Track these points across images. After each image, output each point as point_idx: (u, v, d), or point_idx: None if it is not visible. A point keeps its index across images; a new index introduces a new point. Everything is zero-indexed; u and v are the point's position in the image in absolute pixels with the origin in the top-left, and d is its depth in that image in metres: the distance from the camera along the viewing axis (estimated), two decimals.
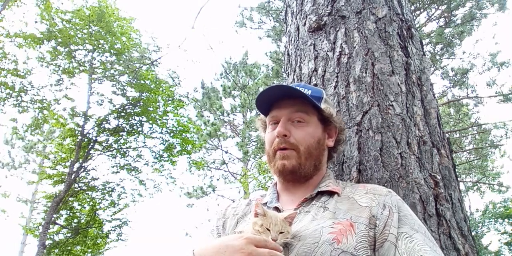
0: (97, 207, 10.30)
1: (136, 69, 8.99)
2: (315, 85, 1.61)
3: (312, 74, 1.65)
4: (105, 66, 10.11)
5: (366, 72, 1.52)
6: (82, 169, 9.75)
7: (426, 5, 9.95)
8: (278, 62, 10.46)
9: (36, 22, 9.31)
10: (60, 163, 10.03)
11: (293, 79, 1.77)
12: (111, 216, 10.66)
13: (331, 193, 1.06)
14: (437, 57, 9.74)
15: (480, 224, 14.06)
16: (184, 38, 5.97)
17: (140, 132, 10.34)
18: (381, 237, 0.91)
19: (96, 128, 9.91)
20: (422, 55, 1.70)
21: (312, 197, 1.06)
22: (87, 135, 9.82)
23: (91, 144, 9.87)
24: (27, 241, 15.58)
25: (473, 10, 9.41)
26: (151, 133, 10.50)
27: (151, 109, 10.06)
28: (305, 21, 1.81)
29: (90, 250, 10.46)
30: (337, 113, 1.46)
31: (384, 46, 1.58)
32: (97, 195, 10.40)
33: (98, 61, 10.14)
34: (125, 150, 10.46)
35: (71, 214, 10.14)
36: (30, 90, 9.40)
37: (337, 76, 1.57)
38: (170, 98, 10.48)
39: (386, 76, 1.51)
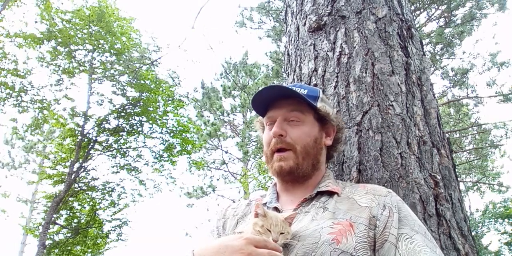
0: (97, 207, 10.30)
1: (136, 69, 8.99)
2: (315, 85, 1.61)
3: (312, 74, 1.65)
4: (105, 66, 10.11)
5: (366, 72, 1.52)
6: (82, 169, 9.75)
7: (426, 5, 9.95)
8: (278, 62, 10.47)
9: (36, 22, 9.32)
10: (60, 163, 10.03)
11: (293, 79, 1.77)
12: (111, 216, 10.67)
13: (330, 193, 1.06)
14: (437, 57, 9.74)
15: (480, 224, 14.07)
16: (184, 38, 5.98)
17: (140, 132, 10.34)
18: (381, 238, 0.91)
19: (96, 128, 9.91)
20: (422, 55, 1.70)
21: (311, 197, 1.06)
22: (87, 135, 9.82)
23: (91, 144, 9.87)
24: (27, 241, 15.58)
25: (473, 10, 9.41)
26: (151, 133, 10.50)
27: (151, 109, 10.06)
28: (305, 21, 1.81)
29: (90, 250, 10.46)
30: (337, 113, 1.46)
31: (384, 46, 1.58)
32: (97, 195, 10.40)
33: (98, 61, 10.14)
34: (125, 150, 10.46)
35: (71, 214, 10.14)
36: (30, 90, 9.41)
37: (337, 76, 1.57)
38: (170, 98, 10.48)
39: (386, 76, 1.51)
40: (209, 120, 13.84)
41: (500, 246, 13.99)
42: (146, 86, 9.93)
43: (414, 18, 8.89)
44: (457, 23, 9.63)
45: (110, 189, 10.37)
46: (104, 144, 10.19)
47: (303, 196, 1.07)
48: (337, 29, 1.68)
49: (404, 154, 1.34)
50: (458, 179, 1.52)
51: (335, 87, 1.55)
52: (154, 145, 10.74)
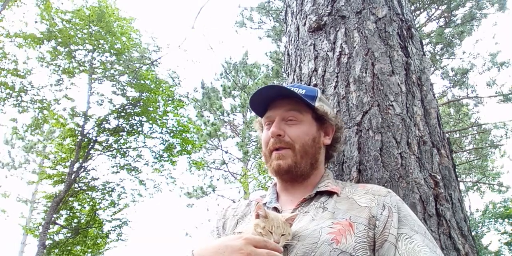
0: (97, 207, 10.30)
1: (136, 69, 8.99)
2: (315, 85, 1.61)
3: (312, 74, 1.65)
4: (105, 66, 10.11)
5: (366, 72, 1.52)
6: (82, 169, 9.75)
7: (426, 5, 9.95)
8: (278, 62, 10.47)
9: (36, 22, 9.32)
10: (60, 163, 10.03)
11: (293, 79, 1.77)
12: (111, 216, 10.67)
13: (330, 193, 1.06)
14: (437, 57, 9.74)
15: (480, 224, 14.07)
16: (184, 38, 5.98)
17: (140, 132, 10.34)
18: (380, 238, 0.91)
19: (96, 128, 9.91)
20: (422, 55, 1.70)
21: (311, 197, 1.06)
22: (87, 135, 9.83)
23: (91, 144, 9.87)
24: (27, 241, 15.58)
25: (473, 10, 9.41)
26: (151, 133, 10.50)
27: (151, 109, 10.06)
28: (305, 21, 1.81)
29: (90, 250, 10.46)
30: (337, 113, 1.46)
31: (384, 46, 1.58)
32: (97, 195, 10.41)
33: (98, 61, 10.14)
34: (125, 150, 10.46)
35: (71, 214, 10.14)
36: (30, 90, 9.41)
37: (337, 76, 1.57)
38: (170, 98, 10.48)
39: (386, 76, 1.51)
40: (209, 120, 13.85)
41: (500, 246, 14.00)
42: (146, 86, 9.93)
43: (414, 18, 8.89)
44: (457, 23, 9.63)
45: (110, 189, 10.37)
46: (104, 144, 10.19)
47: (302, 196, 1.07)
48: (337, 29, 1.68)
49: (404, 154, 1.34)
50: (458, 179, 1.52)
51: (335, 87, 1.55)
52: (154, 145, 10.75)
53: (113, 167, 10.41)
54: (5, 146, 16.95)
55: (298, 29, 1.86)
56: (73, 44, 9.51)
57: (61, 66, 9.70)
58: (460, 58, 9.76)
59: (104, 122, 9.92)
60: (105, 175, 10.40)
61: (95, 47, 9.80)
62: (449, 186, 1.36)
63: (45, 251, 8.82)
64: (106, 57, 10.17)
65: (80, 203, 10.28)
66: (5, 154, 16.57)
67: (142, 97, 10.09)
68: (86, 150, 9.76)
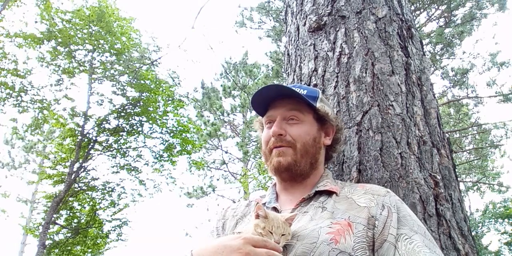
0: (97, 207, 10.30)
1: (136, 69, 8.99)
2: (315, 85, 1.61)
3: (312, 74, 1.66)
4: (105, 66, 10.11)
5: (366, 72, 1.52)
6: (82, 169, 9.75)
7: (426, 5, 9.95)
8: (278, 62, 10.47)
9: (36, 22, 9.32)
10: (60, 163, 10.03)
11: (293, 79, 1.77)
12: (111, 216, 10.67)
13: (329, 193, 1.06)
14: (437, 57, 9.74)
15: (480, 224, 14.06)
16: (184, 38, 5.97)
17: (140, 132, 10.34)
18: (380, 238, 0.91)
19: (96, 128, 9.91)
20: (422, 55, 1.70)
21: (310, 197, 1.06)
22: (87, 135, 9.83)
23: (91, 144, 9.87)
24: (27, 241, 15.58)
25: (473, 10, 9.41)
26: (151, 133, 10.50)
27: (151, 109, 10.06)
28: (305, 21, 1.81)
29: (90, 250, 10.46)
30: (337, 113, 1.46)
31: (384, 46, 1.58)
32: (97, 195, 10.41)
33: (98, 61, 10.14)
34: (125, 150, 10.46)
35: (71, 214, 10.14)
36: (30, 90, 9.41)
37: (337, 76, 1.57)
38: (170, 98, 10.48)
39: (386, 76, 1.51)
40: (209, 120, 13.85)
41: (500, 246, 14.00)
42: (146, 86, 9.93)
43: (414, 18, 8.89)
44: (457, 23, 9.63)
45: (110, 189, 10.37)
46: (104, 144, 10.19)
47: (301, 196, 1.07)
48: (337, 29, 1.68)
49: (404, 154, 1.34)
50: (458, 179, 1.52)
51: (335, 87, 1.55)
52: (154, 145, 10.75)
53: (113, 167, 10.42)
54: (5, 146, 16.97)
55: (298, 29, 1.86)
56: (73, 44, 9.51)
57: (61, 66, 9.70)
58: (460, 58, 9.76)
59: (104, 122, 9.92)
60: (105, 175, 10.41)
61: (95, 47, 9.80)
62: (449, 186, 1.36)
63: (45, 251, 8.82)
64: (106, 57, 10.17)
65: (80, 203, 10.28)
66: (5, 154, 16.60)
67: (142, 97, 10.09)
68: (86, 150, 9.76)
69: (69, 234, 10.08)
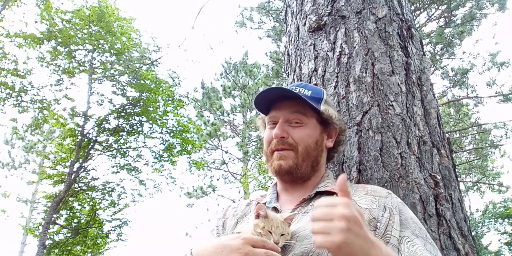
0: (97, 207, 10.30)
1: (136, 69, 8.99)
2: (315, 85, 1.61)
3: (312, 74, 1.66)
4: (105, 66, 10.11)
5: (366, 72, 1.52)
6: (82, 169, 9.75)
7: (426, 5, 9.95)
8: (278, 62, 10.47)
9: (36, 22, 9.32)
10: (60, 163, 10.03)
11: (293, 79, 1.77)
12: (111, 216, 10.67)
13: (330, 194, 1.06)
14: (437, 57, 9.74)
15: (480, 224, 14.06)
16: (184, 38, 5.97)
17: (140, 132, 10.34)
18: (382, 240, 0.90)
19: (96, 128, 9.91)
20: (422, 55, 1.70)
21: (310, 197, 1.06)
22: (87, 135, 9.83)
23: (91, 144, 9.87)
24: (27, 241, 15.58)
25: (473, 10, 9.41)
26: (151, 133, 10.50)
27: (151, 109, 10.07)
28: (305, 21, 1.81)
29: (90, 250, 10.46)
30: (338, 113, 1.46)
31: (384, 46, 1.58)
32: (97, 195, 10.41)
33: (98, 61, 10.14)
34: (125, 150, 10.46)
35: (71, 214, 10.15)
36: (30, 90, 9.41)
37: (337, 76, 1.57)
38: (170, 98, 10.48)
39: (386, 76, 1.51)
40: (209, 120, 13.84)
41: (500, 246, 13.99)
42: (146, 86, 9.93)
43: (414, 18, 8.89)
44: (457, 23, 9.63)
45: (110, 189, 10.38)
46: (104, 144, 10.19)
47: (302, 196, 1.07)
48: (337, 29, 1.68)
49: (404, 154, 1.34)
50: (458, 179, 1.52)
51: (335, 87, 1.55)
52: (154, 145, 10.75)
53: (113, 167, 10.42)
54: (5, 146, 16.97)
55: (298, 29, 1.86)
56: (73, 44, 9.51)
57: (61, 66, 9.70)
58: (460, 58, 9.76)
59: (104, 122, 9.93)
60: (105, 175, 10.42)
61: (95, 47, 9.80)
62: (449, 186, 1.36)
63: (45, 251, 8.82)
64: (106, 57, 10.17)
65: (80, 203, 10.28)
66: (5, 154, 16.59)
67: (142, 97, 10.09)
68: (86, 150, 9.76)
69: (69, 234, 10.08)
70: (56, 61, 9.65)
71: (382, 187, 1.13)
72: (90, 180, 10.15)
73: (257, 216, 0.92)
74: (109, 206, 10.52)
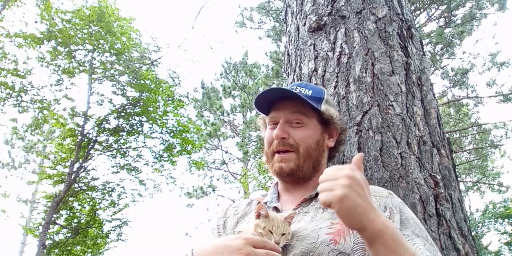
0: (97, 207, 10.30)
1: (136, 69, 8.99)
2: (315, 85, 1.61)
3: (312, 74, 1.66)
4: (105, 66, 10.11)
5: (366, 72, 1.52)
6: (82, 169, 9.75)
7: (426, 5, 9.95)
8: (278, 62, 10.47)
9: (36, 22, 9.32)
10: (60, 163, 10.03)
11: (293, 79, 1.77)
12: (111, 216, 10.67)
13: None
14: (437, 57, 9.74)
15: (480, 224, 14.06)
16: (184, 38, 5.97)
17: (140, 132, 10.34)
18: None
19: (96, 128, 9.91)
20: (422, 55, 1.70)
21: (311, 197, 1.06)
22: (87, 135, 9.83)
23: (91, 144, 9.87)
24: (27, 241, 15.58)
25: (473, 10, 9.41)
26: (151, 133, 10.50)
27: (151, 109, 10.07)
28: (305, 21, 1.81)
29: (90, 250, 10.46)
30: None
31: (384, 46, 1.58)
32: (97, 195, 10.41)
33: (98, 61, 10.14)
34: (125, 150, 10.46)
35: (71, 214, 10.15)
36: (30, 90, 9.41)
37: (337, 76, 1.57)
38: (170, 98, 10.48)
39: (386, 76, 1.51)
40: (209, 120, 13.84)
41: (500, 246, 13.99)
42: (146, 86, 9.93)
43: (414, 18, 8.90)
44: (457, 23, 9.63)
45: (110, 189, 10.38)
46: (104, 144, 10.19)
47: (303, 196, 1.07)
48: (337, 29, 1.68)
49: (404, 154, 1.34)
50: (458, 179, 1.52)
51: (335, 87, 1.55)
52: (154, 145, 10.75)
53: (113, 167, 10.42)
54: (5, 146, 16.96)
55: (298, 29, 1.86)
56: (73, 44, 9.51)
57: (61, 66, 9.70)
58: (460, 58, 9.76)
59: (104, 122, 9.93)
60: (105, 175, 10.41)
61: (95, 47, 9.80)
62: (449, 186, 1.36)
63: (45, 251, 8.82)
64: (106, 57, 10.17)
65: (80, 203, 10.28)
66: (5, 154, 16.59)
67: (142, 97, 10.10)
68: (86, 150, 9.76)
69: (69, 234, 10.08)
70: (56, 61, 9.65)
71: (382, 187, 1.13)
72: (90, 180, 10.15)
73: (258, 215, 0.92)
74: (109, 206, 10.52)
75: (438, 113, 1.56)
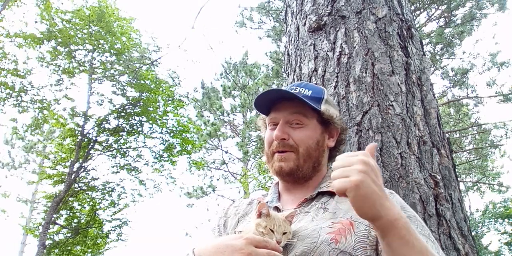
0: (97, 207, 10.31)
1: (136, 69, 8.99)
2: (315, 85, 1.61)
3: (312, 74, 1.66)
4: (105, 66, 10.12)
5: (366, 72, 1.52)
6: (82, 169, 9.76)
7: (426, 5, 9.95)
8: (278, 62, 10.47)
9: (36, 22, 9.32)
10: (60, 163, 10.04)
11: (293, 79, 1.77)
12: (111, 216, 10.68)
13: (331, 194, 1.06)
14: (437, 57, 9.74)
15: (480, 224, 14.06)
16: (184, 38, 5.97)
17: (140, 132, 10.35)
18: None
19: (96, 128, 9.92)
20: (422, 55, 1.71)
21: (312, 197, 1.06)
22: (87, 135, 9.83)
23: (91, 144, 9.88)
24: (27, 241, 15.58)
25: (473, 10, 9.42)
26: (151, 133, 10.51)
27: (151, 109, 10.07)
28: (305, 21, 1.81)
29: (90, 250, 10.46)
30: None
31: (384, 46, 1.58)
32: (97, 195, 10.41)
33: (98, 61, 10.15)
34: (125, 150, 10.46)
35: (71, 214, 10.15)
36: (30, 90, 9.41)
37: (337, 76, 1.57)
38: (170, 98, 10.48)
39: (386, 76, 1.51)
40: (209, 120, 13.84)
41: (500, 246, 13.99)
42: (146, 86, 9.94)
43: (414, 18, 8.89)
44: (457, 23, 9.63)
45: (110, 189, 10.38)
46: (104, 144, 10.20)
47: (304, 196, 1.07)
48: (337, 29, 1.68)
49: (404, 154, 1.34)
50: (458, 179, 1.52)
51: (335, 87, 1.55)
52: (154, 145, 10.75)
53: (113, 167, 10.43)
54: (5, 146, 16.97)
55: (298, 29, 1.86)
56: (73, 44, 9.51)
57: (61, 66, 9.71)
58: (460, 58, 9.76)
59: (104, 122, 9.93)
60: (105, 175, 10.42)
61: (95, 47, 9.80)
62: (449, 186, 1.36)
63: (45, 251, 8.82)
64: (106, 57, 10.18)
65: (80, 203, 10.28)
66: (5, 154, 16.59)
67: (142, 97, 10.10)
68: (86, 150, 9.76)
69: (69, 234, 10.09)
70: (56, 61, 9.66)
71: None
72: (90, 180, 10.16)
73: (259, 215, 0.92)
74: (109, 206, 10.52)
75: (438, 113, 1.56)
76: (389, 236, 0.75)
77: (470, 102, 10.84)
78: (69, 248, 10.10)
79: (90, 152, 9.89)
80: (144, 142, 10.60)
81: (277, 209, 1.08)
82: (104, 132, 10.01)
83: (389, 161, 1.32)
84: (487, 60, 9.61)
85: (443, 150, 1.45)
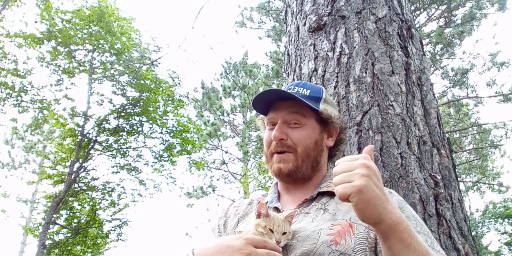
0: (97, 207, 10.31)
1: (136, 69, 9.00)
2: (314, 84, 1.61)
3: (312, 74, 1.66)
4: (105, 66, 10.12)
5: (366, 72, 1.52)
6: (82, 169, 9.76)
7: (426, 5, 9.95)
8: (278, 62, 10.47)
9: (36, 22, 9.33)
10: (60, 163, 10.04)
11: (293, 79, 1.77)
12: (111, 216, 10.67)
13: (331, 194, 1.05)
14: (437, 57, 9.74)
15: (480, 224, 14.06)
16: (184, 38, 5.97)
17: (140, 132, 10.35)
18: None
19: (96, 128, 9.92)
20: (422, 55, 1.71)
21: (312, 197, 1.06)
22: (87, 135, 9.83)
23: (91, 144, 9.88)
24: (27, 241, 15.58)
25: (473, 10, 9.42)
26: (151, 133, 10.51)
27: (151, 109, 10.07)
28: (305, 21, 1.81)
29: (90, 250, 10.46)
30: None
31: (384, 46, 1.58)
32: (97, 195, 10.41)
33: (98, 61, 10.15)
34: (125, 150, 10.46)
35: (71, 214, 10.15)
36: (30, 90, 9.42)
37: (337, 76, 1.57)
38: (170, 98, 10.48)
39: (386, 76, 1.51)
40: (209, 120, 13.84)
41: (500, 246, 13.99)
42: (146, 86, 9.94)
43: (414, 18, 8.90)
44: (457, 23, 9.63)
45: (110, 189, 10.38)
46: (104, 144, 10.20)
47: (304, 197, 1.07)
48: (337, 29, 1.68)
49: (404, 154, 1.34)
50: (458, 179, 1.52)
51: (335, 87, 1.55)
52: (154, 145, 10.75)
53: (113, 167, 10.43)
54: (5, 146, 16.96)
55: (298, 29, 1.86)
56: (73, 44, 9.52)
57: (61, 66, 9.71)
58: (460, 58, 9.76)
59: (104, 122, 9.93)
60: (105, 175, 10.42)
61: (95, 47, 9.80)
62: (449, 186, 1.36)
63: (45, 251, 8.82)
64: (106, 57, 10.18)
65: (80, 203, 10.28)
66: (5, 154, 16.58)
67: (142, 97, 10.10)
68: (86, 150, 9.76)
69: (69, 234, 10.09)
70: (56, 61, 9.66)
71: None
72: (90, 180, 10.16)
73: (258, 215, 0.92)
74: (109, 206, 10.52)
75: (438, 113, 1.56)
76: (391, 240, 0.75)
77: (470, 102, 10.85)
78: (69, 248, 10.10)
79: (90, 152, 9.89)
80: (144, 142, 10.61)
81: (276, 209, 1.07)
82: (104, 132, 10.01)
83: (389, 161, 1.32)
84: (487, 60, 9.62)
85: (443, 150, 1.45)
